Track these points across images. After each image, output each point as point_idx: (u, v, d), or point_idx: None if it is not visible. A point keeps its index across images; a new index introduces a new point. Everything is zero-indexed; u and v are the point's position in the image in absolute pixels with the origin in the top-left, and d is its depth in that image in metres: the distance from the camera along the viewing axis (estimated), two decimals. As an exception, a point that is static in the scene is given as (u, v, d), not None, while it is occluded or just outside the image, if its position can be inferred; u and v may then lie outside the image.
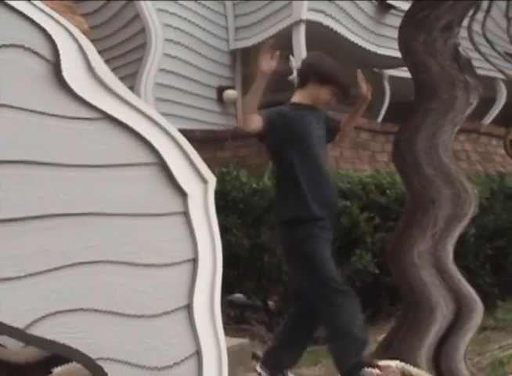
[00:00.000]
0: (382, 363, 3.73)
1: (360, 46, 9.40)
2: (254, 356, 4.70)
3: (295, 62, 7.93)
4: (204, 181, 2.81)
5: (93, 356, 2.19)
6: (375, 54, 9.51)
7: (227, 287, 3.49)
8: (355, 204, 5.72)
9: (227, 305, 5.75)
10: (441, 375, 4.13)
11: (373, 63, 9.95)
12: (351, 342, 3.55)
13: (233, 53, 9.78)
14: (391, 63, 9.15)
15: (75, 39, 2.18)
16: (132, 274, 2.40)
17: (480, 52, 7.09)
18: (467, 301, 4.16)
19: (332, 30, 9.01)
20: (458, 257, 4.42)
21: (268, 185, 5.68)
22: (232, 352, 3.44)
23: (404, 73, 7.73)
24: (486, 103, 9.62)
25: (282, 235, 3.81)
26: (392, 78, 10.04)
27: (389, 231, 5.52)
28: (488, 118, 10.37)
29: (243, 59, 9.64)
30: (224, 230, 3.65)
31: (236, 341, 4.40)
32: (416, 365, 4.04)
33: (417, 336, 4.19)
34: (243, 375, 4.19)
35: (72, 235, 2.20)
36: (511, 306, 5.83)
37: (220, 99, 9.39)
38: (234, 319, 5.84)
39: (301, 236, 3.63)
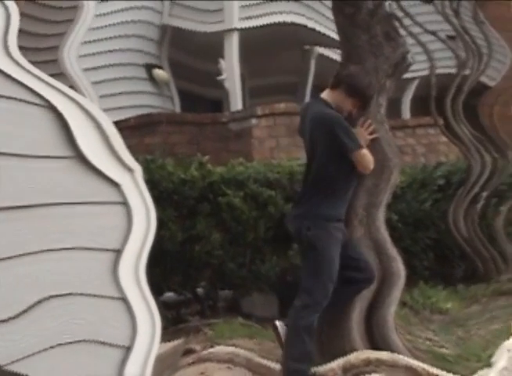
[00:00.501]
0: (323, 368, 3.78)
1: (287, 22, 9.11)
2: (190, 351, 4.62)
3: (225, 65, 7.86)
4: (129, 169, 3.01)
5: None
6: (304, 28, 9.26)
7: (155, 287, 3.36)
8: (279, 194, 5.75)
9: (162, 307, 5.47)
10: (374, 344, 4.18)
11: (302, 40, 9.75)
12: (302, 346, 3.73)
13: (164, 29, 9.34)
14: (320, 39, 9.14)
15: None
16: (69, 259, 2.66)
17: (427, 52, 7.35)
18: (391, 274, 4.25)
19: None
20: (396, 240, 4.55)
21: (197, 176, 5.66)
22: (164, 358, 3.49)
23: (334, 54, 7.61)
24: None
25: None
26: (319, 57, 9.87)
27: None
28: (405, 115, 10.47)
29: (173, 40, 9.29)
30: (160, 224, 3.50)
31: (171, 344, 4.33)
32: (350, 337, 4.10)
33: (341, 335, 4.18)
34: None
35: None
36: (428, 292, 6.00)
37: (151, 78, 9.04)
38: (172, 320, 5.72)
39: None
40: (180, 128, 7.62)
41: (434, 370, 3.80)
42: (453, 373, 3.85)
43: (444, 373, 3.79)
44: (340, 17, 4.64)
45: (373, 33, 4.50)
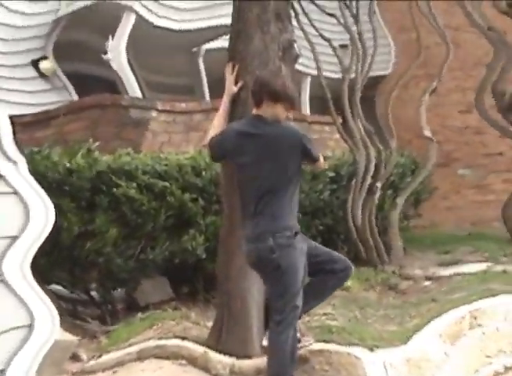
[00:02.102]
0: None
1: (174, 29, 9.09)
2: (76, 358, 4.58)
3: (112, 41, 7.77)
4: (14, 162, 3.18)
5: None
6: (188, 32, 9.22)
7: (39, 276, 3.40)
8: (174, 185, 5.76)
9: (53, 296, 5.42)
10: None
11: (189, 43, 9.74)
12: (283, 362, 3.70)
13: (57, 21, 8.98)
14: (207, 34, 9.19)
15: None
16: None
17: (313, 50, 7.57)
18: None
19: (146, 19, 8.72)
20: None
21: (82, 165, 5.51)
22: (53, 350, 3.41)
23: (221, 42, 7.65)
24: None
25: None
26: (207, 54, 9.87)
27: (217, 214, 5.63)
28: (305, 110, 10.69)
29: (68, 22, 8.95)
30: (58, 214, 3.51)
31: (66, 337, 4.30)
32: (250, 355, 4.15)
33: (240, 328, 4.27)
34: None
35: None
36: None
37: (40, 73, 8.77)
38: (68, 312, 5.67)
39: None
40: (78, 115, 7.41)
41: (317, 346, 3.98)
42: (332, 342, 4.07)
43: (327, 345, 4.03)
44: None
45: (265, 7, 4.53)
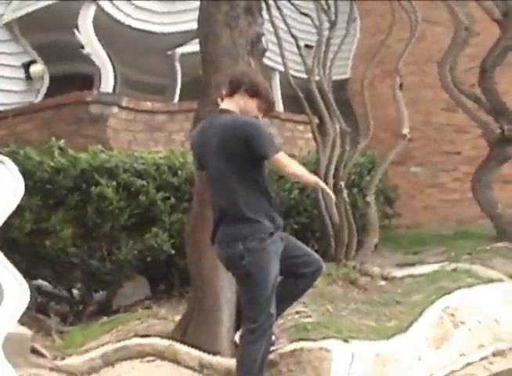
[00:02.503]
0: None
1: (148, 31, 9.10)
2: (34, 351, 4.49)
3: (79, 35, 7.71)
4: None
5: None
6: (163, 34, 9.28)
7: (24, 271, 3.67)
8: (151, 184, 5.79)
9: (36, 291, 5.59)
10: None
11: (165, 46, 9.77)
12: (251, 371, 3.51)
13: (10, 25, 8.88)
14: (182, 38, 9.19)
15: None
16: None
17: (279, 42, 7.49)
18: None
19: (116, 19, 8.69)
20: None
21: (65, 163, 5.61)
22: (14, 341, 3.49)
23: (195, 46, 7.70)
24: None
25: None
26: (183, 56, 9.88)
27: (185, 212, 5.65)
28: (278, 105, 10.65)
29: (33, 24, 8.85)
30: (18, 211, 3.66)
31: (20, 330, 4.23)
32: (217, 351, 4.09)
33: (210, 324, 4.22)
34: (24, 368, 4.02)
35: None
36: None
37: (28, 76, 8.84)
38: (36, 305, 5.62)
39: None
40: (29, 116, 7.48)
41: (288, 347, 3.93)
42: (308, 339, 4.02)
43: (298, 343, 3.98)
44: None
45: (234, 5, 4.57)
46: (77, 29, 8.18)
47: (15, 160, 4.96)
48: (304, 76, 7.74)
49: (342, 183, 7.14)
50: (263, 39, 4.83)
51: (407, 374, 4.23)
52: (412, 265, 7.06)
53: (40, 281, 5.86)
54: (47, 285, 5.94)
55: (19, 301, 3.39)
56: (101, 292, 6.05)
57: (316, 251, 6.73)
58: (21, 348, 4.13)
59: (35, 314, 5.35)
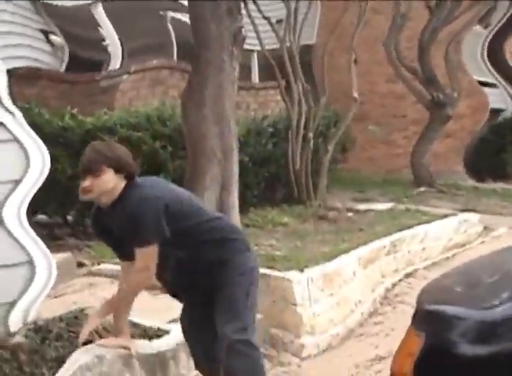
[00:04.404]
0: None
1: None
2: (80, 264, 4.84)
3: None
4: (11, 112, 3.11)
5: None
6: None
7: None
8: (145, 135, 5.80)
9: (35, 226, 5.59)
10: None
11: (156, 8, 9.68)
12: None
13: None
14: (173, 5, 9.21)
15: None
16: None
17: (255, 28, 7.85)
18: (227, 206, 4.88)
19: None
20: (242, 176, 5.11)
21: (72, 124, 5.71)
22: (59, 266, 3.53)
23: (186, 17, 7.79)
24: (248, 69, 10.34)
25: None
26: (174, 20, 9.88)
27: (183, 158, 5.73)
28: (255, 80, 11.05)
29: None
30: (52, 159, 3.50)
31: (60, 256, 4.44)
32: None
33: None
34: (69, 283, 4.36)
35: None
36: (262, 212, 6.54)
37: (48, 41, 8.90)
38: (47, 237, 5.59)
39: None
40: (55, 85, 7.65)
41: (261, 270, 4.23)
42: (274, 268, 4.40)
43: (268, 270, 4.27)
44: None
45: (220, 11, 5.06)
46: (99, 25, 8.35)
47: (27, 115, 4.82)
48: (277, 46, 8.08)
49: (311, 134, 7.64)
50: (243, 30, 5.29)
51: (347, 285, 4.83)
52: (366, 201, 7.77)
53: (39, 216, 5.80)
54: (43, 217, 5.91)
55: (48, 276, 3.24)
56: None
57: (283, 196, 7.38)
58: (68, 269, 4.40)
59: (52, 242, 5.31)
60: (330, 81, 8.77)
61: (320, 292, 4.54)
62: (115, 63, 8.35)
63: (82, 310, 3.44)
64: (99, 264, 4.77)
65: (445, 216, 6.76)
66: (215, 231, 2.86)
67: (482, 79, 11.54)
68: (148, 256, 2.69)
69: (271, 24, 8.12)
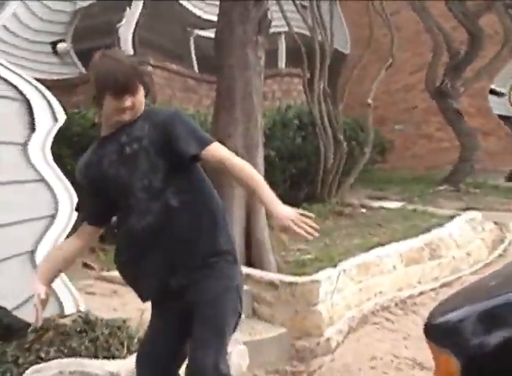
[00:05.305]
0: None
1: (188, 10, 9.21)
2: (87, 266, 4.69)
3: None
4: (56, 119, 3.32)
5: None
6: (195, 16, 9.34)
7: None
8: None
9: None
10: (251, 264, 4.41)
11: (191, 24, 9.75)
12: None
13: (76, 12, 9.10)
14: (203, 24, 9.17)
15: None
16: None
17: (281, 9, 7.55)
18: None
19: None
20: (268, 172, 4.83)
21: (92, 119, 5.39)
22: None
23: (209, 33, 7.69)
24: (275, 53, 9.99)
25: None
26: (197, 37, 9.89)
27: None
28: (281, 64, 10.65)
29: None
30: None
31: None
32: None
33: None
34: (77, 281, 4.04)
35: None
36: None
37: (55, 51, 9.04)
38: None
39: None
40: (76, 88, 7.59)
41: (287, 278, 4.11)
42: (305, 274, 4.18)
43: (296, 277, 4.11)
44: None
45: (248, 4, 4.78)
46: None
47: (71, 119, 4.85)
48: (307, 33, 7.79)
49: (341, 136, 7.37)
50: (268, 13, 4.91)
51: (384, 277, 4.65)
52: (380, 199, 7.58)
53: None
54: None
55: (71, 212, 3.21)
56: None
57: (305, 195, 7.07)
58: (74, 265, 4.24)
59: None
60: (354, 91, 8.55)
61: (349, 281, 4.38)
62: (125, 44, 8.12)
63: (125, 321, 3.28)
64: (108, 270, 4.54)
65: (452, 217, 6.34)
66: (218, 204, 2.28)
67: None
68: (221, 147, 2.18)
69: (296, 5, 7.75)
